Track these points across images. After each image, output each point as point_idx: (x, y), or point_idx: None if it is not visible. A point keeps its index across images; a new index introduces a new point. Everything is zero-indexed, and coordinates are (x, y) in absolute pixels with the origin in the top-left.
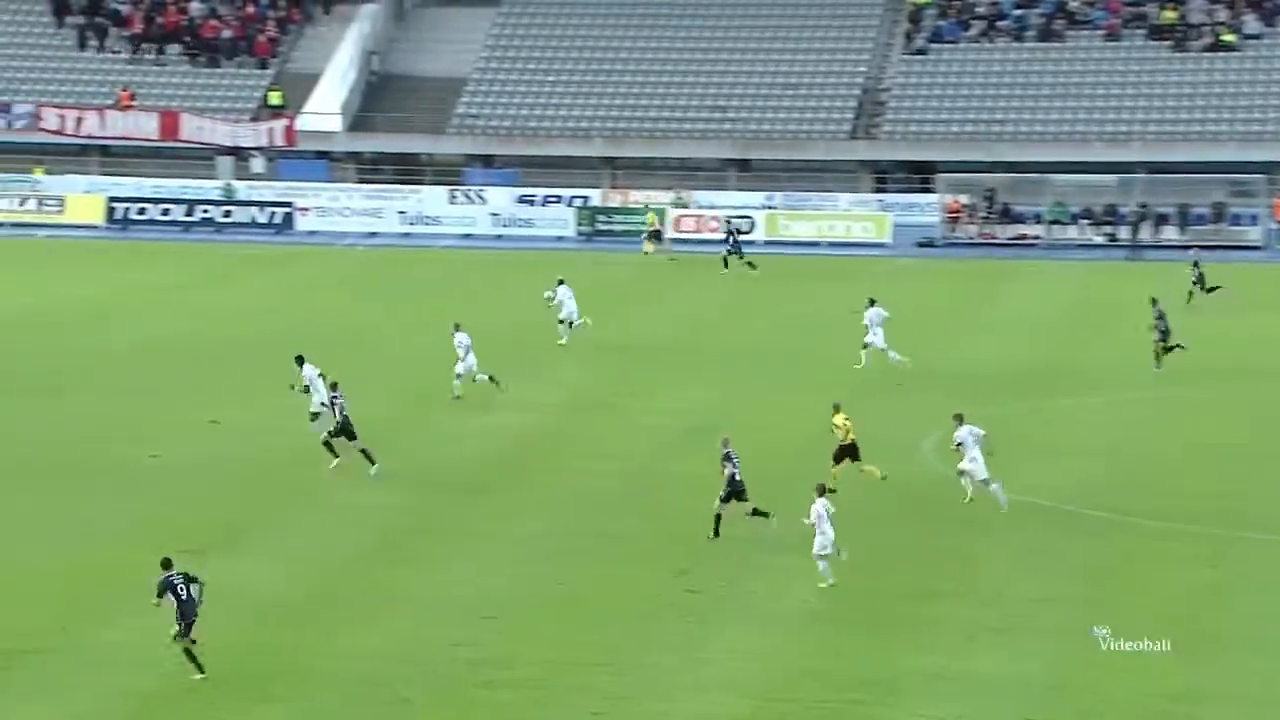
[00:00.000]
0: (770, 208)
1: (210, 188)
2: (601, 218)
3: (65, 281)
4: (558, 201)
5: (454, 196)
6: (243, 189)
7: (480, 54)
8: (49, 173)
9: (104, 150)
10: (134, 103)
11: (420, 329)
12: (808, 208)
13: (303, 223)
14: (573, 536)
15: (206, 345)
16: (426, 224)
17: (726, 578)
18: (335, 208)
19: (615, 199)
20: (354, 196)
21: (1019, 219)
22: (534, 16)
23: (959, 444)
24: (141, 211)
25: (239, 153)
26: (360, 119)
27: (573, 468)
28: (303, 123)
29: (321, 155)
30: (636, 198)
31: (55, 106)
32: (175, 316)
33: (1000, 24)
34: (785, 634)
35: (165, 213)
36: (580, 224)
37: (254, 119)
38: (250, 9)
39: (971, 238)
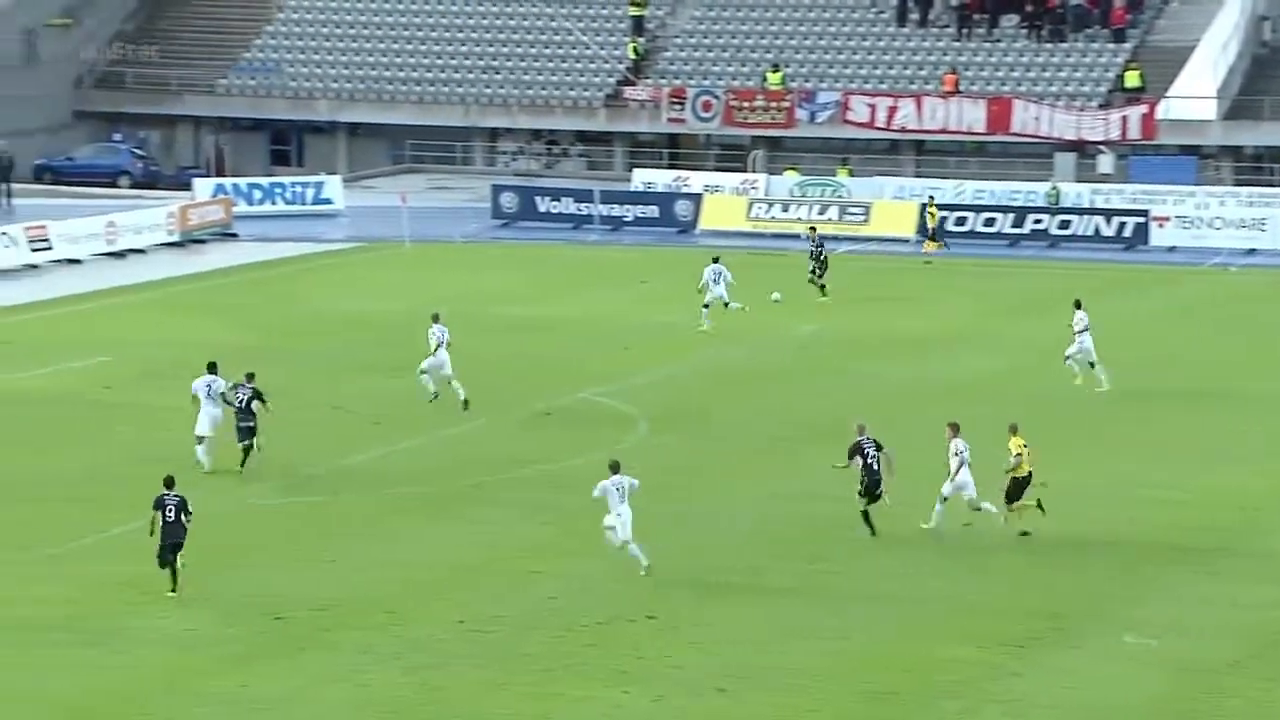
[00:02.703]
0: None
1: (1042, 193)
2: None
3: (862, 305)
4: None
5: None
6: (1078, 194)
7: None
8: (853, 174)
9: (918, 147)
10: (958, 88)
11: None
12: None
13: (1159, 236)
14: None
15: (1029, 389)
16: None
17: None
18: (1203, 217)
19: None
20: (1228, 203)
21: None
22: None
23: (957, 454)
24: (960, 221)
25: (1083, 148)
26: (1241, 104)
27: None
28: (1165, 109)
29: (1188, 151)
30: None
31: (865, 94)
32: (993, 351)
33: None
34: None
35: (989, 223)
36: None
37: (1104, 106)
38: None
39: None
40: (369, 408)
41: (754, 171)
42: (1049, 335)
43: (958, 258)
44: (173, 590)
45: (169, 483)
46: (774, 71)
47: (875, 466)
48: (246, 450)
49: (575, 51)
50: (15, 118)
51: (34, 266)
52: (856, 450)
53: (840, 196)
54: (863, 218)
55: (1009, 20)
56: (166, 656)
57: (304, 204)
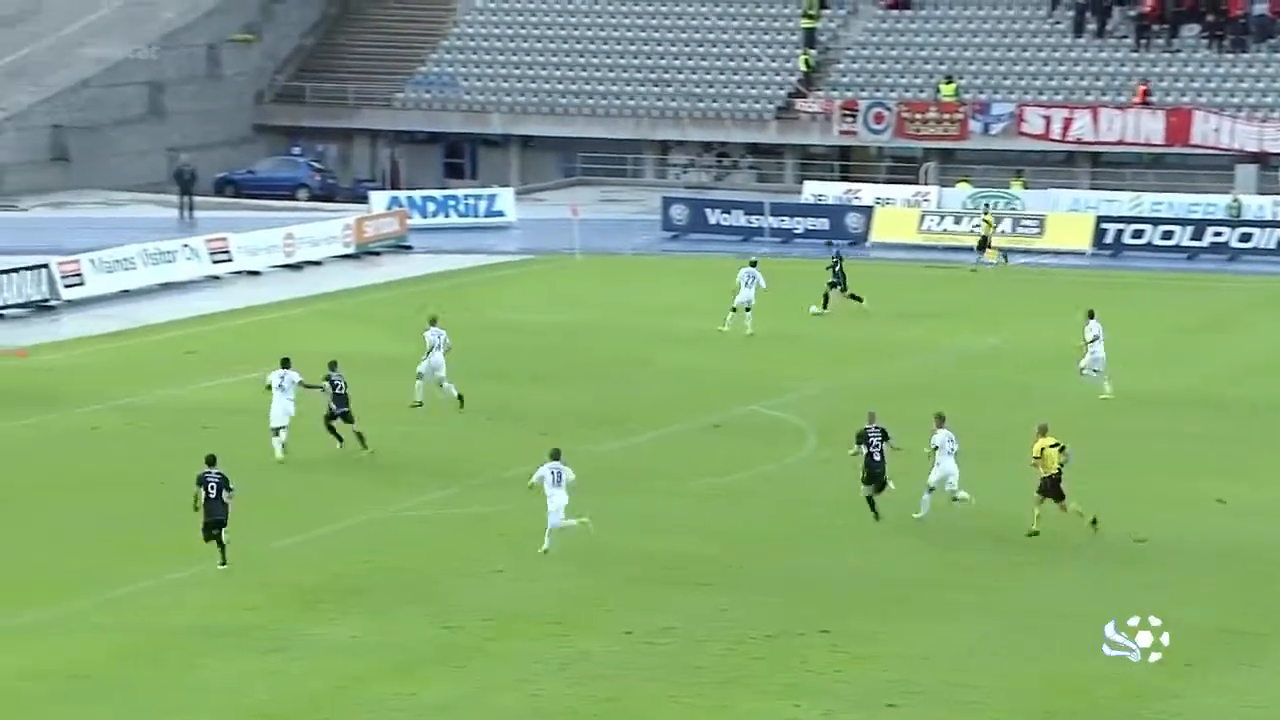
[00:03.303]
0: None
1: (1222, 205)
2: None
3: (1040, 320)
4: None
5: None
6: (1260, 206)
7: None
8: (1027, 186)
9: (1094, 159)
10: (1148, 99)
11: None
12: None
13: None
14: None
15: (1207, 404)
16: None
17: None
18: None
19: None
20: None
21: None
22: None
23: (934, 448)
24: (1137, 234)
25: (1266, 160)
26: None
27: None
28: None
29: None
30: None
31: (1040, 106)
32: (1175, 367)
33: None
34: None
35: (1167, 236)
36: None
37: None
38: None
39: None
40: (537, 419)
41: (926, 184)
42: (1231, 350)
43: (1135, 271)
44: (222, 563)
45: (210, 460)
46: (947, 83)
47: (876, 456)
48: (357, 434)
49: (747, 64)
50: (199, 132)
51: (215, 278)
52: (862, 438)
53: (1014, 209)
54: (1037, 230)
55: (1189, 30)
56: (340, 663)
57: (477, 216)
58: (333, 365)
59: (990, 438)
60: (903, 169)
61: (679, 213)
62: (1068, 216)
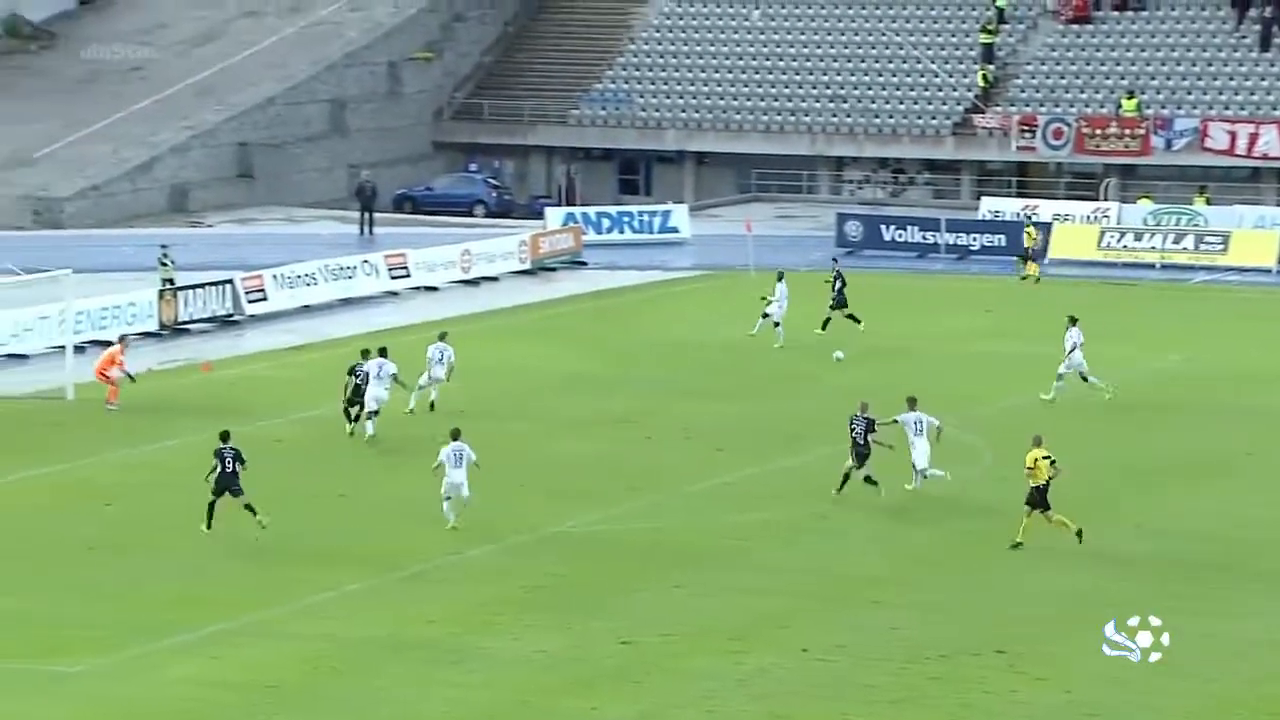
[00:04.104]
0: None
1: None
2: None
3: (1224, 337)
4: None
5: None
6: None
7: None
8: (1210, 202)
9: None
10: None
11: None
12: None
13: None
14: None
15: None
16: None
17: None
18: None
19: None
20: None
21: None
22: None
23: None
24: None
25: None
26: None
27: None
28: None
29: None
30: None
31: (1225, 121)
32: None
33: None
34: None
35: None
36: None
37: None
38: None
39: None
40: (713, 434)
41: (1106, 200)
42: None
43: None
44: (207, 528)
45: (225, 436)
46: (1129, 98)
47: (860, 442)
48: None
49: (924, 80)
50: (378, 149)
51: (394, 294)
52: (852, 422)
53: (1196, 225)
54: (1220, 247)
55: None
56: (519, 677)
57: (651, 232)
58: (364, 354)
59: (1172, 457)
60: (1081, 185)
61: (853, 229)
62: (1252, 233)
